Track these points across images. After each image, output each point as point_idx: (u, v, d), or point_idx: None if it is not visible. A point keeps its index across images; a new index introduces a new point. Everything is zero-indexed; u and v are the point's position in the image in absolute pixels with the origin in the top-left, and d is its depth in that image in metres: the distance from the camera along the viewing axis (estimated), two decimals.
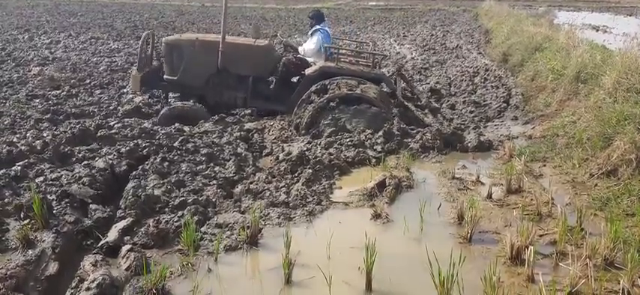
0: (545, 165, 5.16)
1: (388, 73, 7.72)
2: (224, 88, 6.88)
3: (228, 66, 6.77)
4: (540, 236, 3.57)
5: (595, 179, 4.55)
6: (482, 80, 9.60)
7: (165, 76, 6.94)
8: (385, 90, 6.79)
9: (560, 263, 3.21)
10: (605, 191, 4.24)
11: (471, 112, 7.52)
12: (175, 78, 6.84)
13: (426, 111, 6.75)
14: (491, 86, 9.09)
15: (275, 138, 5.99)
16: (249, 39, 7.49)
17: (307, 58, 7.16)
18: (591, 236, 3.48)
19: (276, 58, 7.18)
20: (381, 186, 4.44)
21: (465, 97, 8.39)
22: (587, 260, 3.11)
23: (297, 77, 6.97)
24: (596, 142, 5.01)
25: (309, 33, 7.46)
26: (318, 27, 7.31)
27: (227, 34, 6.87)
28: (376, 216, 3.94)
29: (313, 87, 6.32)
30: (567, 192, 4.44)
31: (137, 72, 6.82)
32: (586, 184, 4.55)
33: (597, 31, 18.69)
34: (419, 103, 7.02)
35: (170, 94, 7.29)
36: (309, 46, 7.33)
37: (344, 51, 7.44)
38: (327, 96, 6.09)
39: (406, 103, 6.66)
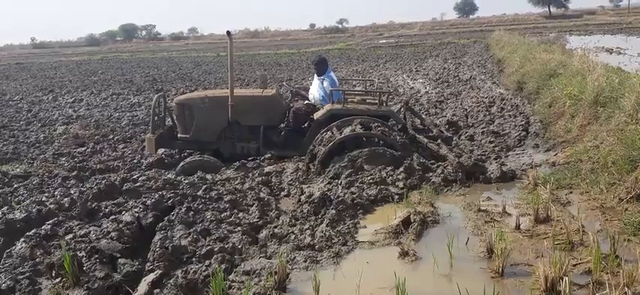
0: (571, 192, 5.07)
1: (397, 109, 7.75)
2: (237, 140, 7.06)
3: (239, 118, 6.96)
4: (574, 265, 3.48)
5: (624, 203, 4.44)
6: (499, 109, 9.60)
7: (179, 135, 7.12)
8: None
9: (597, 293, 3.12)
10: (637, 215, 4.12)
11: (491, 142, 7.49)
12: (189, 136, 7.01)
13: (439, 141, 6.75)
14: (509, 115, 9.07)
15: (291, 180, 6.05)
16: (256, 90, 7.67)
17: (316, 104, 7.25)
18: (627, 263, 3.38)
19: (284, 106, 7.36)
20: (406, 222, 4.41)
21: (483, 128, 8.37)
22: (626, 288, 3.01)
23: (307, 122, 7.07)
24: (622, 166, 4.92)
25: (315, 80, 7.53)
26: (323, 76, 7.40)
27: (235, 87, 7.04)
28: (404, 254, 3.89)
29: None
30: (597, 219, 4.35)
31: (151, 135, 7.02)
32: (616, 209, 4.45)
33: (611, 53, 18.64)
34: (430, 134, 7.03)
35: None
36: (317, 95, 7.39)
37: (351, 92, 7.53)
38: (339, 137, 6.15)
39: (417, 136, 6.68)
